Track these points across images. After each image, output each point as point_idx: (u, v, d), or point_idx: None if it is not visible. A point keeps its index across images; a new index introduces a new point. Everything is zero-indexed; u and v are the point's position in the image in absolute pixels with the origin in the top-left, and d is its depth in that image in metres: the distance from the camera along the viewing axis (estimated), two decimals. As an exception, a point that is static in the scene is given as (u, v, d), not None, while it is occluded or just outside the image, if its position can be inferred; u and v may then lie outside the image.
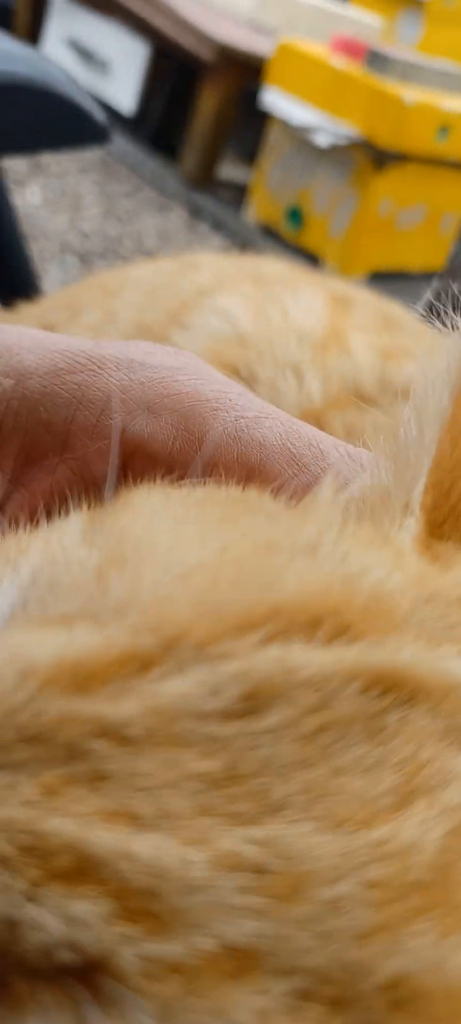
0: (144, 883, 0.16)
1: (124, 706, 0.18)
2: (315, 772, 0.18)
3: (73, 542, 0.23)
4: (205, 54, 2.83)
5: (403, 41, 3.11)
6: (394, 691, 0.19)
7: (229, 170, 3.15)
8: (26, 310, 0.69)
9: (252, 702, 0.18)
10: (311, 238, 2.80)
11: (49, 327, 0.62)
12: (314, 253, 2.79)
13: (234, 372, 0.54)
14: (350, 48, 2.76)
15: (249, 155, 3.06)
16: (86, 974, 0.16)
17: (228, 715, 0.18)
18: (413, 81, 2.66)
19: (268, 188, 2.90)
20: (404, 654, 0.20)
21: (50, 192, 2.65)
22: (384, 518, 0.25)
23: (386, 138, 2.61)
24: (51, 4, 3.31)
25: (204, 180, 3.04)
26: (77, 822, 0.17)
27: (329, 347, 0.56)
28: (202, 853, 0.16)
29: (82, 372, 0.32)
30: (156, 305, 0.62)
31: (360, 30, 3.01)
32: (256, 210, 2.94)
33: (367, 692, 0.19)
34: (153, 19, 2.94)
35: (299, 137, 2.77)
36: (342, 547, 0.22)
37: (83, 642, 0.19)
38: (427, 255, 2.89)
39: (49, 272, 2.21)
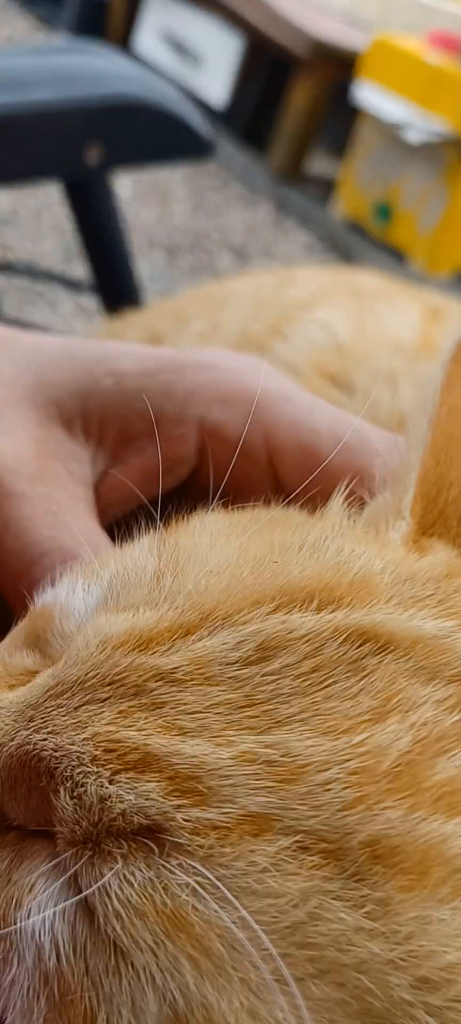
0: (189, 771, 0.25)
1: (173, 658, 0.27)
2: (310, 699, 0.26)
3: (141, 555, 0.32)
4: (299, 49, 2.89)
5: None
6: (371, 642, 0.27)
7: (317, 164, 3.20)
8: (133, 318, 0.77)
9: (263, 652, 0.27)
10: (399, 234, 2.84)
11: (157, 335, 0.71)
12: (401, 249, 2.82)
13: (333, 381, 0.61)
14: (447, 42, 2.79)
15: (337, 149, 3.11)
16: (153, 832, 0.24)
17: (246, 662, 0.27)
18: None
19: (357, 183, 2.95)
20: (379, 615, 0.28)
21: (140, 186, 2.75)
22: (381, 522, 0.33)
23: (480, 136, 2.63)
24: (147, -3, 3.41)
25: (293, 174, 3.10)
26: (142, 733, 0.25)
27: (422, 357, 0.63)
28: (229, 751, 0.25)
29: (168, 372, 0.40)
30: (259, 317, 0.70)
31: (457, 24, 3.03)
32: (344, 205, 2.99)
33: (348, 642, 0.27)
34: (248, 13, 3.01)
35: (390, 133, 2.81)
36: (338, 543, 0.31)
37: (145, 619, 0.28)
38: None
39: (137, 266, 2.30)
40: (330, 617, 0.27)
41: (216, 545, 0.31)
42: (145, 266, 2.36)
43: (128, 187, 2.69)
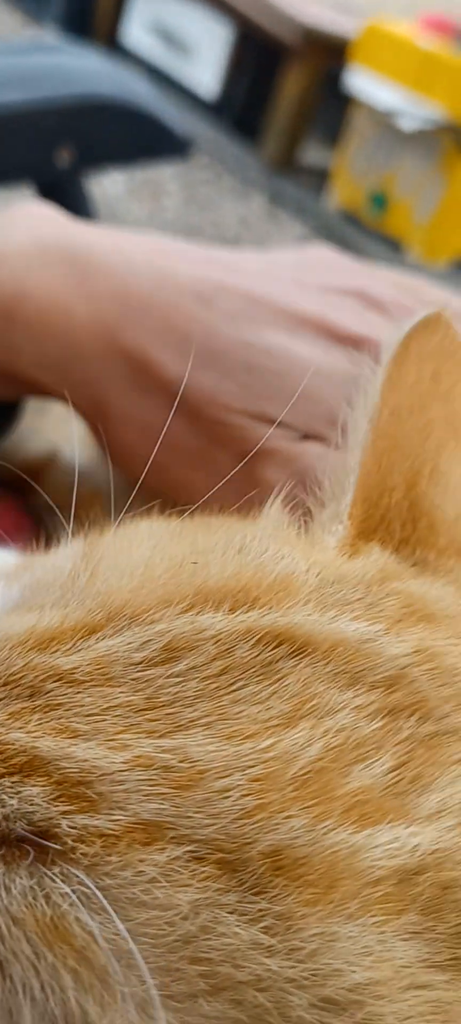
0: (79, 776, 0.23)
1: (73, 658, 0.26)
2: (216, 702, 0.25)
3: (64, 556, 0.31)
4: (288, 37, 2.88)
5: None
6: (286, 644, 0.26)
7: (310, 154, 3.19)
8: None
9: (169, 653, 0.26)
10: (394, 223, 2.83)
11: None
12: (397, 239, 2.81)
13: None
14: (440, 26, 2.77)
15: (331, 138, 3.09)
16: (37, 839, 0.23)
17: (151, 662, 0.25)
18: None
19: (351, 172, 2.94)
20: (297, 616, 0.27)
21: (132, 181, 2.74)
22: (319, 525, 0.33)
23: (474, 120, 2.61)
24: (135, -12, 3.40)
25: (286, 165, 3.09)
26: (32, 735, 0.24)
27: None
28: (123, 755, 0.24)
29: None
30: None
31: (451, 8, 3.01)
32: (338, 195, 2.98)
33: (261, 645, 0.26)
34: (235, 1, 3.00)
35: (384, 120, 2.80)
36: (265, 545, 0.30)
37: (49, 618, 0.27)
38: None
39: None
40: (243, 618, 0.26)
41: (135, 547, 0.30)
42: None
43: (120, 183, 2.69)
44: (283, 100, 3.05)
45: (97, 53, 1.00)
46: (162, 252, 0.51)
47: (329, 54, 2.93)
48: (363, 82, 2.79)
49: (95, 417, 0.49)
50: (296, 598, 0.27)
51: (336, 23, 2.94)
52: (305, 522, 0.33)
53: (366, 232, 2.87)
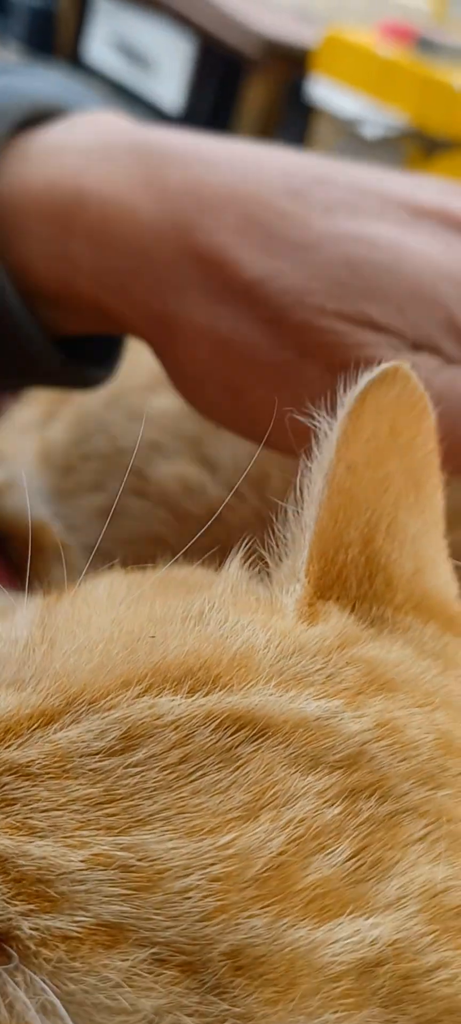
0: (37, 874, 0.23)
1: (29, 751, 0.25)
2: (176, 794, 0.24)
3: (22, 623, 0.30)
4: (249, 49, 2.87)
5: (456, 22, 3.11)
6: (246, 728, 0.26)
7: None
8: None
9: (127, 742, 0.25)
10: (362, 232, 2.83)
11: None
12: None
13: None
14: (399, 33, 2.78)
15: (296, 147, 3.08)
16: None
17: (109, 752, 0.25)
18: (465, 66, 2.67)
19: (316, 182, 2.94)
20: (256, 697, 0.26)
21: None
22: (277, 586, 0.32)
23: (437, 125, 2.62)
24: (95, 5, 3.38)
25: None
26: None
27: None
28: (82, 853, 0.23)
29: None
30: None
31: (409, 15, 3.02)
32: (305, 205, 2.98)
33: (221, 729, 0.25)
34: (194, 15, 2.99)
35: (347, 128, 2.80)
36: (224, 612, 0.29)
37: (4, 704, 0.26)
38: (481, 244, 2.89)
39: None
40: (203, 701, 0.26)
41: (94, 616, 0.29)
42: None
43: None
44: (247, 111, 3.05)
45: (56, 72, 1.00)
46: (248, 148, 0.44)
47: (290, 64, 2.93)
48: (325, 91, 2.79)
49: (161, 337, 0.43)
50: (256, 675, 0.27)
51: (296, 33, 2.93)
52: (263, 578, 0.33)
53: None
